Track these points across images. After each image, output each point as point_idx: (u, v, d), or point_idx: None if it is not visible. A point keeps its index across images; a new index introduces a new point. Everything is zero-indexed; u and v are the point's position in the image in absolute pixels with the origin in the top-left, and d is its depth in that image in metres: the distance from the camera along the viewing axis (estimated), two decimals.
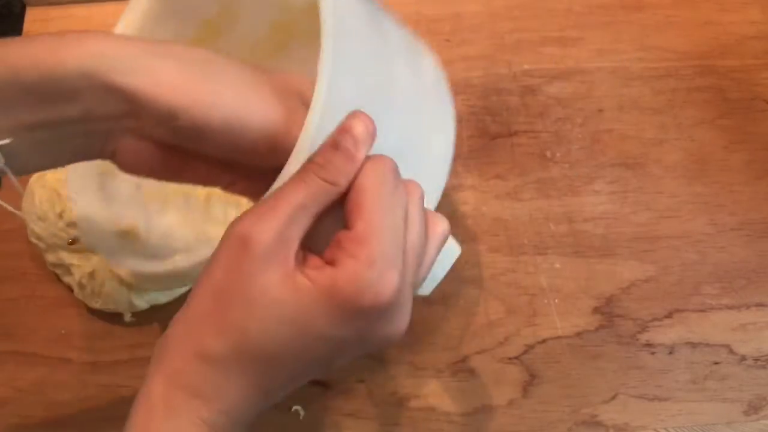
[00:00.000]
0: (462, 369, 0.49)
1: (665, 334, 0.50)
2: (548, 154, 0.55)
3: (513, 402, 0.48)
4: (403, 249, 0.30)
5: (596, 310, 0.50)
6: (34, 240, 0.51)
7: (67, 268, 0.50)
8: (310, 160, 0.30)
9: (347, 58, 0.31)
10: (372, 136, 0.31)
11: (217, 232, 0.43)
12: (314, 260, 0.30)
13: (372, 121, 0.31)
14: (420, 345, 0.49)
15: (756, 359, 0.49)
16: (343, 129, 0.30)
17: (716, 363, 0.49)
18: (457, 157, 0.55)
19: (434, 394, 0.48)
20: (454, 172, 0.55)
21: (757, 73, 0.58)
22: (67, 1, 0.62)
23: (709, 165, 0.55)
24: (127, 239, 0.43)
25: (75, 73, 0.30)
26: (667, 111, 0.57)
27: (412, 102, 0.38)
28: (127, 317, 0.49)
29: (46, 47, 0.30)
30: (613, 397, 0.48)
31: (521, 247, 0.52)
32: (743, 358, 0.49)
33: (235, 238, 0.29)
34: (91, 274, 0.49)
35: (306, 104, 0.31)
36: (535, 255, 0.52)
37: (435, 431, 0.47)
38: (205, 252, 0.32)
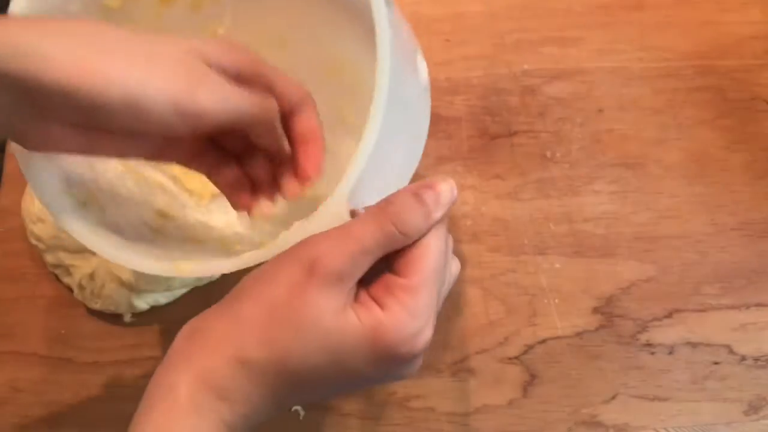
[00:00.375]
0: (462, 369, 0.49)
1: (665, 334, 0.50)
2: (548, 154, 0.55)
3: (513, 402, 0.48)
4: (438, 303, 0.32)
5: (596, 310, 0.50)
6: (33, 241, 0.51)
7: (67, 269, 0.50)
8: (388, 202, 0.31)
9: (393, 91, 0.32)
10: (453, 203, 0.32)
11: (158, 177, 0.44)
12: (363, 296, 0.31)
13: (456, 189, 0.32)
14: None
15: (756, 359, 0.49)
16: (429, 186, 0.31)
17: (716, 363, 0.49)
18: (457, 157, 0.55)
19: (434, 394, 0.48)
20: (454, 172, 0.55)
21: (757, 73, 0.58)
22: None
23: (709, 165, 0.55)
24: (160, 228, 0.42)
25: None
26: (667, 111, 0.57)
27: (415, 114, 0.38)
28: (127, 318, 0.50)
29: None
30: (613, 397, 0.48)
31: (521, 247, 0.52)
32: (743, 358, 0.49)
33: (303, 260, 0.30)
34: (91, 276, 0.49)
35: (209, 64, 0.32)
36: (535, 255, 0.52)
37: (435, 431, 0.47)
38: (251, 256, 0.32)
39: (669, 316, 0.50)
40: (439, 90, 0.58)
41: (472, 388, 0.48)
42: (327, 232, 0.31)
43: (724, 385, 0.48)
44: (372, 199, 0.32)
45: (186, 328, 0.32)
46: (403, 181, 0.40)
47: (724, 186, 0.54)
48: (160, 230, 0.43)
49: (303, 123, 0.36)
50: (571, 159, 0.55)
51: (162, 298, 0.50)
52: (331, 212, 0.32)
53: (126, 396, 0.48)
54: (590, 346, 0.49)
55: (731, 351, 0.49)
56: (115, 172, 0.44)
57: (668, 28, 0.60)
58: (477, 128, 0.56)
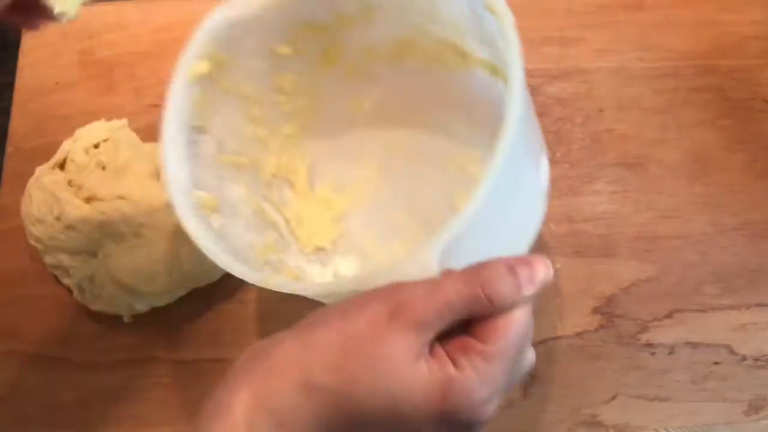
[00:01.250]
0: None
1: (665, 334, 0.50)
2: (548, 154, 0.55)
3: (513, 402, 0.48)
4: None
5: (596, 310, 0.50)
6: (32, 242, 0.51)
7: (66, 270, 0.50)
8: (481, 266, 0.31)
9: (508, 175, 0.33)
10: (546, 284, 0.32)
11: (273, 214, 0.47)
12: (439, 351, 0.31)
13: (552, 271, 0.32)
14: None
15: (756, 359, 0.49)
16: (526, 262, 0.31)
17: (716, 363, 0.49)
18: None
19: None
20: None
21: (757, 73, 0.58)
22: None
23: (709, 165, 0.55)
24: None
25: None
26: (668, 111, 0.57)
27: (525, 209, 0.40)
28: (127, 318, 0.49)
29: None
30: (614, 398, 0.48)
31: None
32: (743, 358, 0.49)
33: (390, 302, 0.30)
34: (91, 278, 0.49)
35: None
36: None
37: None
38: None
39: (669, 316, 0.50)
40: None
41: None
42: (418, 281, 0.31)
43: (724, 385, 0.48)
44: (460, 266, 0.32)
45: (251, 348, 0.32)
46: None
47: (724, 186, 0.54)
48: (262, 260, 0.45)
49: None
50: (572, 159, 0.55)
51: (161, 300, 0.50)
52: (420, 261, 0.32)
53: (126, 396, 0.48)
54: (590, 346, 0.49)
55: (731, 351, 0.49)
56: (239, 192, 0.46)
57: (668, 28, 0.60)
58: None
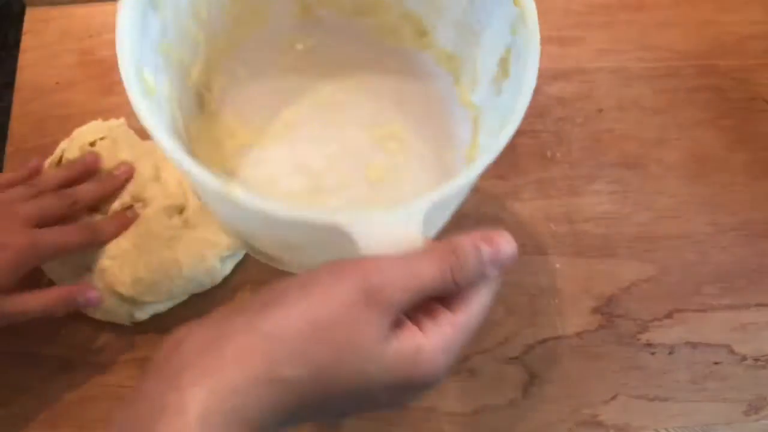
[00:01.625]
0: (462, 369, 0.49)
1: (665, 334, 0.50)
2: (548, 154, 0.55)
3: (513, 402, 0.48)
4: None
5: (596, 310, 0.50)
6: None
7: (63, 283, 0.50)
8: (453, 252, 0.30)
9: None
10: (510, 260, 0.32)
11: (179, 123, 0.41)
12: (404, 320, 0.30)
13: (515, 246, 0.32)
14: None
15: (756, 359, 0.49)
16: (490, 240, 0.31)
17: (716, 363, 0.49)
18: None
19: (434, 394, 0.48)
20: None
21: (757, 73, 0.58)
22: (67, 1, 0.61)
23: (709, 165, 0.55)
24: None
25: None
26: (668, 111, 0.57)
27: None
28: (127, 322, 0.49)
29: None
30: (614, 398, 0.48)
31: (521, 247, 0.52)
32: (743, 358, 0.49)
33: (368, 283, 0.29)
34: None
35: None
36: (535, 255, 0.52)
37: (435, 431, 0.47)
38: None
39: (669, 316, 0.50)
40: None
41: (472, 388, 0.48)
42: (393, 261, 0.30)
43: (724, 385, 0.48)
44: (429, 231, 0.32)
45: (186, 338, 0.29)
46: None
47: (724, 186, 0.54)
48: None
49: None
50: (572, 159, 0.55)
51: (162, 307, 0.49)
52: (407, 217, 0.31)
53: (125, 396, 0.48)
54: (590, 346, 0.49)
55: (731, 351, 0.49)
56: (166, 89, 0.41)
57: (668, 28, 0.60)
58: None
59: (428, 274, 0.30)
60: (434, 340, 0.30)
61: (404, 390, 0.30)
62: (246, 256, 0.51)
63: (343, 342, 0.29)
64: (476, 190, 0.54)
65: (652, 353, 0.49)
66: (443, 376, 0.30)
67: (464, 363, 0.49)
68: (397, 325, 0.30)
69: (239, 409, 0.27)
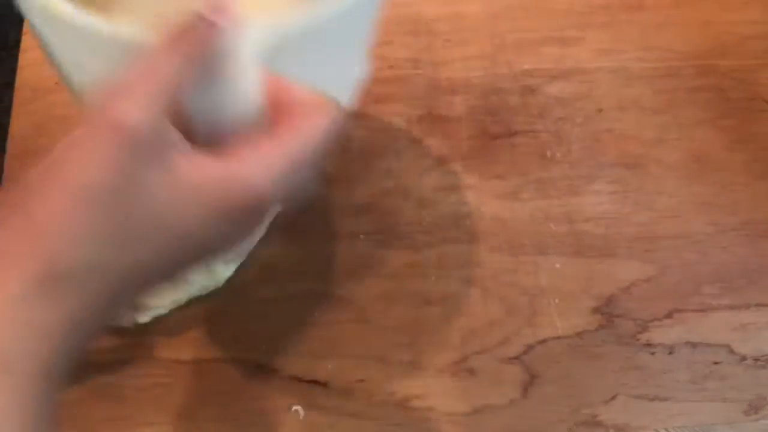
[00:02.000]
0: (462, 369, 0.49)
1: (665, 334, 0.50)
2: (548, 154, 0.55)
3: (513, 402, 0.48)
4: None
5: (596, 310, 0.50)
6: None
7: None
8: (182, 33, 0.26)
9: None
10: (230, 17, 0.26)
11: None
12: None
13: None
14: (420, 345, 0.49)
15: (756, 359, 0.49)
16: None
17: (716, 363, 0.49)
18: (456, 157, 0.55)
19: (434, 394, 0.48)
20: (453, 172, 0.55)
21: (757, 73, 0.58)
22: None
23: (709, 165, 0.55)
24: None
25: None
26: (668, 111, 0.57)
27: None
28: (130, 325, 0.49)
29: None
30: (613, 398, 0.48)
31: (521, 247, 0.52)
32: (743, 358, 0.49)
33: (110, 133, 0.24)
34: None
35: None
36: (535, 255, 0.52)
37: (435, 431, 0.47)
38: None
39: (669, 316, 0.50)
40: (439, 90, 0.58)
41: (472, 388, 0.48)
42: (122, 82, 0.25)
43: (724, 385, 0.48)
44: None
45: None
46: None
47: (724, 186, 0.54)
48: None
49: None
50: (571, 159, 0.55)
51: (164, 310, 0.50)
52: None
53: (125, 396, 0.48)
54: (590, 346, 0.49)
55: (731, 351, 0.49)
56: None
57: (668, 28, 0.60)
58: (477, 128, 0.56)
59: (163, 66, 0.25)
60: (248, 161, 0.26)
61: (228, 220, 0.26)
62: (248, 258, 0.51)
63: (127, 202, 0.24)
64: (476, 190, 0.54)
65: (652, 353, 0.49)
66: (271, 197, 0.27)
67: (464, 363, 0.49)
68: (184, 151, 0.26)
69: (26, 323, 0.24)
